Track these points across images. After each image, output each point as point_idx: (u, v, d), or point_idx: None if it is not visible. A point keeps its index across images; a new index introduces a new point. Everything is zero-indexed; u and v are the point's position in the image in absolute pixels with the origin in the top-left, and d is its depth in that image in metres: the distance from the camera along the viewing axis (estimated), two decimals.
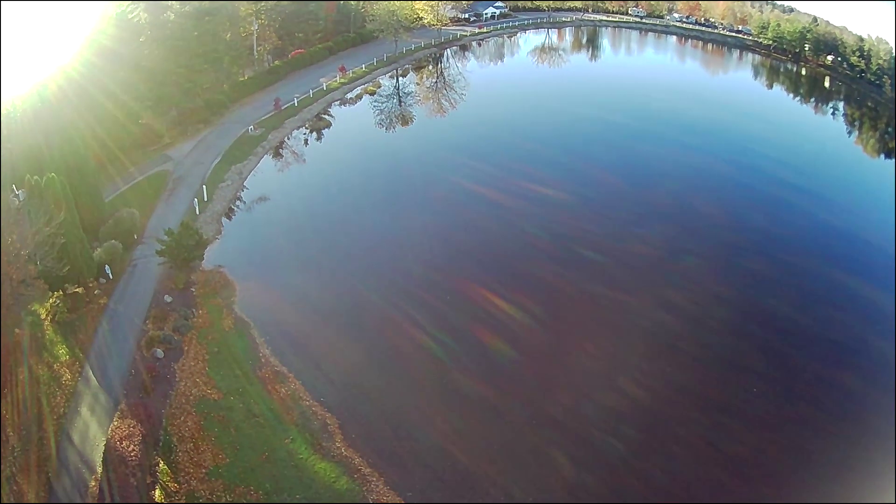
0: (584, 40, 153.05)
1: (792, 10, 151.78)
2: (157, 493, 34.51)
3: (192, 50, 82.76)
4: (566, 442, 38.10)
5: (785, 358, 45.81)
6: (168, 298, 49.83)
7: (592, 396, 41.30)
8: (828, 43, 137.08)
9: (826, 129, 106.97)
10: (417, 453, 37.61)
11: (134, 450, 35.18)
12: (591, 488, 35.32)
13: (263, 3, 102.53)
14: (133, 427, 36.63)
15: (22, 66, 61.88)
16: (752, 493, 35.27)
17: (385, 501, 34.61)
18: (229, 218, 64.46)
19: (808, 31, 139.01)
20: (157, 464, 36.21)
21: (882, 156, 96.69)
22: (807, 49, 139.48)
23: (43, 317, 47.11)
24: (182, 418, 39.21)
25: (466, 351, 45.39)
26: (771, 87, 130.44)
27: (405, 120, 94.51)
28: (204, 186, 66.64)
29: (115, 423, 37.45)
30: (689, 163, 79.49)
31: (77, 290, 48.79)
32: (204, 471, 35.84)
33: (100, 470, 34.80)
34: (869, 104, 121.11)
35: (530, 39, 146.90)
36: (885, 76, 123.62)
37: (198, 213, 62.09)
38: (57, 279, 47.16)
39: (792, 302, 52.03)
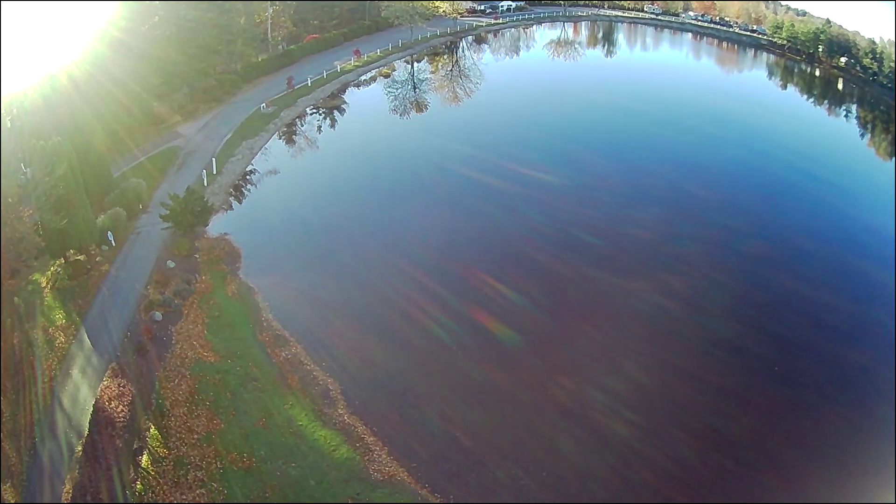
0: (600, 35, 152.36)
1: (805, 12, 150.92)
2: (145, 458, 33.78)
3: (206, 32, 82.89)
4: (570, 424, 37.46)
5: (786, 343, 45.16)
6: (171, 264, 49.54)
7: (595, 380, 40.59)
8: (841, 45, 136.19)
9: (839, 130, 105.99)
10: (423, 424, 37.05)
11: (123, 410, 34.51)
12: (597, 471, 34.64)
13: None
14: (123, 387, 35.98)
15: (28, 57, 61.79)
16: (754, 479, 34.70)
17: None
18: (238, 190, 64.46)
19: (821, 33, 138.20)
20: (148, 428, 35.51)
21: (895, 159, 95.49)
22: (820, 50, 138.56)
23: (43, 285, 46.68)
24: (176, 381, 38.73)
25: (468, 331, 44.74)
26: (785, 87, 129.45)
27: (419, 105, 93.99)
28: (213, 159, 66.56)
29: (106, 382, 36.80)
30: (697, 159, 78.62)
31: (79, 257, 48.45)
32: (196, 436, 35.22)
33: (87, 433, 34.23)
34: (882, 107, 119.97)
35: (546, 33, 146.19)
36: None
37: (206, 184, 61.89)
38: (59, 245, 46.91)
39: (793, 291, 51.19)
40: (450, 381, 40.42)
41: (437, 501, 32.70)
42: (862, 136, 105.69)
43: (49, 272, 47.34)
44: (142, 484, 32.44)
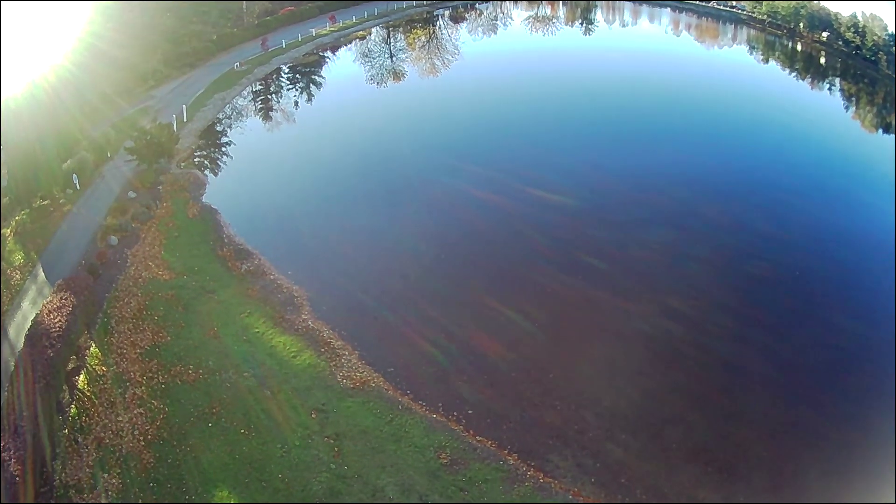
0: (578, 12, 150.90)
1: None
2: (82, 378, 31.60)
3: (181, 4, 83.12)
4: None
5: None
6: (132, 195, 48.17)
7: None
8: (822, 19, 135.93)
9: (824, 106, 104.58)
10: (401, 327, 35.28)
11: (60, 321, 31.62)
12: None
13: None
14: (65, 299, 33.37)
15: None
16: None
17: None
18: (207, 133, 63.92)
19: (802, 7, 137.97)
20: (89, 346, 33.56)
21: (880, 131, 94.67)
22: (801, 25, 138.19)
23: (7, 235, 45.02)
24: (126, 300, 36.91)
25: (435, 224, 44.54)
26: (766, 61, 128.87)
27: (396, 73, 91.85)
28: (184, 107, 66.08)
29: (49, 298, 34.36)
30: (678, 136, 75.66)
31: (44, 202, 47.26)
32: (139, 351, 33.16)
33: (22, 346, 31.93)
34: (865, 80, 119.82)
35: (522, 8, 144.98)
36: (881, 52, 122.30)
37: (175, 129, 60.22)
38: (25, 193, 46.01)
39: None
40: (430, 287, 38.76)
41: (420, 409, 30.11)
42: (846, 109, 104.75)
43: (14, 223, 45.82)
44: (76, 406, 30.11)
